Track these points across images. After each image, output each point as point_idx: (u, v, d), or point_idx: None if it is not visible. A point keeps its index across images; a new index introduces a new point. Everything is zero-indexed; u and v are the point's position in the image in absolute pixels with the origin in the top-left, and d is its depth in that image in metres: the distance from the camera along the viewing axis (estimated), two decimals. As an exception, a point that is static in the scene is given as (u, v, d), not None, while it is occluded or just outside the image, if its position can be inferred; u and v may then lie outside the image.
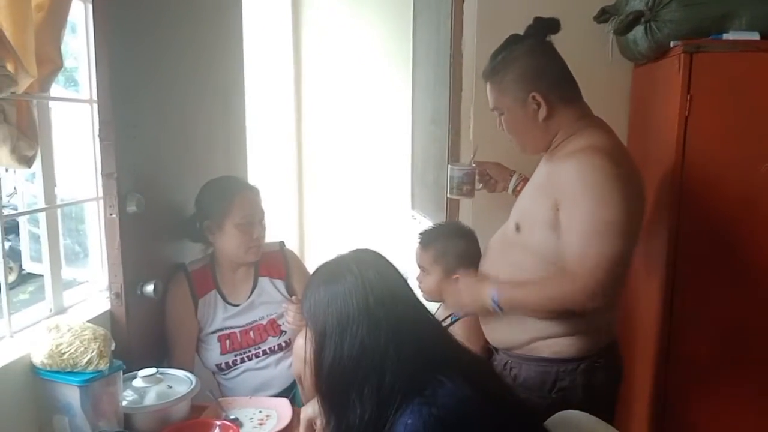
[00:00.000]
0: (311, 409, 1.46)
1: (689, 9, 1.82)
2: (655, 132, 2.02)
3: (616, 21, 1.99)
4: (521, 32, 1.58)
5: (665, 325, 1.93)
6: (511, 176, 1.98)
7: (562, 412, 1.35)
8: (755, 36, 1.81)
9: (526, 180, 1.89)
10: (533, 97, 1.50)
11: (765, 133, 1.80)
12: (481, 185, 2.02)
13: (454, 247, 1.85)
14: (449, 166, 2.04)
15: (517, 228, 1.57)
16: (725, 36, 1.82)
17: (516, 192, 1.95)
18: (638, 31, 1.94)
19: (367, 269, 1.14)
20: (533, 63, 1.52)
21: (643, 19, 1.89)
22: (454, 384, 1.05)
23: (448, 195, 2.07)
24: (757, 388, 1.91)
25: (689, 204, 1.86)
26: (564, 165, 1.46)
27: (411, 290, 1.20)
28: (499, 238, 1.68)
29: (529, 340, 1.56)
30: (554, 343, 1.53)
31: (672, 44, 1.86)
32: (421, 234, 1.97)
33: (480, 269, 1.70)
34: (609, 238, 1.38)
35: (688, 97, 1.81)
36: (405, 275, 1.25)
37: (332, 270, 1.17)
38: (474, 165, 2.00)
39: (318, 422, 1.44)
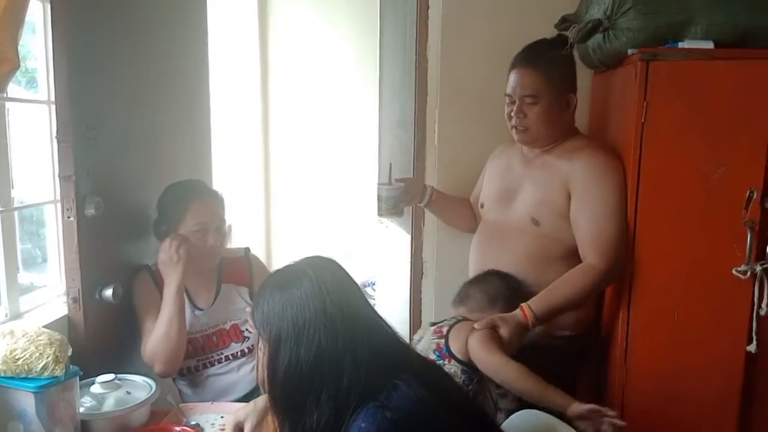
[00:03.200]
0: (242, 413, 1.46)
1: (646, 17, 1.86)
2: (613, 138, 2.06)
3: (576, 29, 2.03)
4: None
5: (624, 327, 1.96)
6: (426, 189, 2.19)
7: (519, 413, 1.36)
8: (710, 45, 1.86)
9: (438, 192, 2.16)
10: (570, 98, 1.85)
11: (719, 139, 1.85)
12: None
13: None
14: (379, 185, 2.09)
15: (536, 222, 1.84)
16: (681, 44, 1.87)
17: (430, 202, 2.18)
18: (597, 38, 1.97)
19: (322, 273, 1.14)
20: (571, 69, 1.88)
21: (601, 28, 1.92)
22: (409, 387, 1.05)
23: (380, 215, 2.14)
24: (711, 391, 1.95)
25: (645, 208, 1.89)
26: (572, 159, 1.81)
27: (364, 296, 1.20)
28: (515, 234, 1.90)
29: None
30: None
31: (629, 52, 1.90)
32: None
33: (496, 261, 1.91)
34: (616, 222, 1.75)
35: (645, 104, 1.85)
36: (367, 281, 1.24)
37: (287, 275, 1.16)
38: (401, 183, 2.12)
39: (247, 426, 1.43)
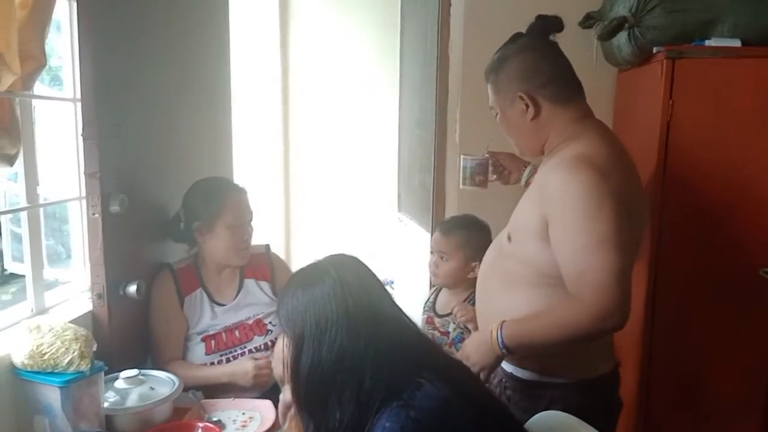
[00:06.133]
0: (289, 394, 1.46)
1: (672, 15, 1.85)
2: (638, 136, 2.04)
3: (601, 26, 2.01)
4: (507, 37, 1.58)
5: (648, 328, 1.95)
6: (525, 167, 1.92)
7: (543, 413, 1.35)
8: (737, 43, 1.84)
9: None
10: (520, 97, 1.47)
11: (745, 138, 1.83)
12: (494, 176, 1.96)
13: (476, 238, 1.94)
14: (461, 156, 1.99)
15: (509, 238, 1.52)
16: (707, 42, 1.85)
17: (528, 184, 1.88)
18: (622, 36, 1.96)
19: (345, 272, 1.13)
20: (523, 62, 1.49)
21: (626, 25, 1.91)
22: (433, 386, 1.04)
23: (461, 186, 1.98)
24: (738, 392, 1.93)
25: (671, 208, 1.88)
26: (552, 176, 1.40)
27: (388, 293, 1.19)
28: (493, 248, 1.64)
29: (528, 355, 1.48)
30: (551, 359, 1.47)
31: (655, 50, 1.88)
32: (441, 223, 2.13)
33: (478, 277, 1.66)
34: (605, 252, 1.30)
35: (671, 102, 1.83)
36: (386, 279, 1.21)
37: (310, 274, 1.16)
38: (487, 155, 1.94)
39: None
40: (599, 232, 1.31)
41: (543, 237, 1.40)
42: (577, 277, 1.33)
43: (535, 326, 1.39)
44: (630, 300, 1.32)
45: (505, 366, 1.54)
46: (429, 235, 2.58)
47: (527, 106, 1.47)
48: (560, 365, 1.47)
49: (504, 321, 1.40)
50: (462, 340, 1.92)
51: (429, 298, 2.13)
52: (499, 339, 1.38)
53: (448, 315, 1.98)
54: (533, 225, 1.42)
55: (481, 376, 1.44)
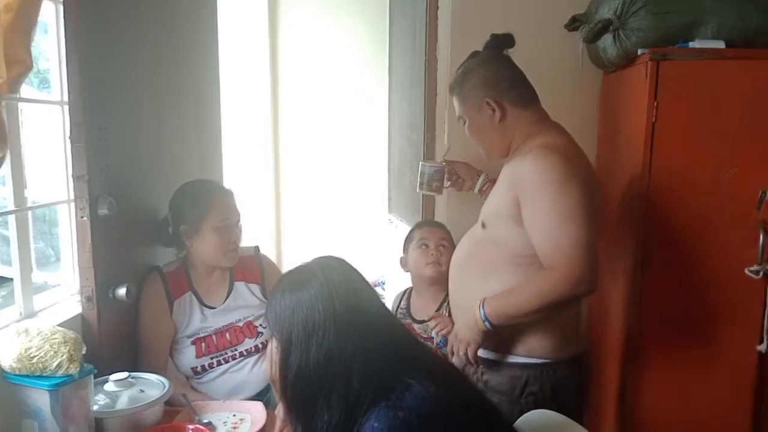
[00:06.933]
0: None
1: (657, 17, 1.87)
2: (623, 138, 2.06)
3: (586, 29, 2.03)
4: None
5: (633, 329, 1.96)
6: (479, 176, 2.09)
7: (533, 412, 1.37)
8: (720, 44, 1.86)
9: (492, 181, 1.98)
10: (487, 102, 1.63)
11: (730, 139, 1.85)
12: (449, 183, 2.12)
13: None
14: (420, 162, 2.16)
15: (483, 225, 1.66)
16: (691, 44, 1.87)
17: (482, 192, 2.07)
18: (607, 38, 1.98)
19: (332, 275, 1.14)
20: (486, 72, 1.66)
21: (611, 27, 1.93)
22: (421, 386, 1.05)
23: (418, 190, 2.18)
24: (723, 391, 1.95)
25: (656, 209, 1.90)
26: (521, 162, 1.55)
27: (376, 295, 1.20)
28: (466, 238, 1.76)
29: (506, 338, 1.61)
30: (528, 340, 1.59)
31: (639, 52, 1.90)
32: (425, 221, 2.27)
33: (450, 270, 1.79)
34: (574, 225, 1.46)
35: (655, 104, 1.85)
36: (377, 280, 1.23)
37: (297, 277, 1.16)
38: (444, 163, 2.10)
39: None
40: (567, 209, 1.48)
41: (516, 220, 1.55)
42: (549, 250, 1.49)
43: (514, 298, 1.54)
44: (597, 268, 1.49)
45: (481, 351, 1.63)
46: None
47: (494, 110, 1.63)
48: (534, 347, 1.60)
49: (485, 298, 1.56)
50: (447, 343, 1.93)
51: (400, 305, 2.13)
52: (482, 314, 1.55)
53: (428, 321, 1.98)
54: (506, 209, 1.57)
55: (469, 351, 1.60)
